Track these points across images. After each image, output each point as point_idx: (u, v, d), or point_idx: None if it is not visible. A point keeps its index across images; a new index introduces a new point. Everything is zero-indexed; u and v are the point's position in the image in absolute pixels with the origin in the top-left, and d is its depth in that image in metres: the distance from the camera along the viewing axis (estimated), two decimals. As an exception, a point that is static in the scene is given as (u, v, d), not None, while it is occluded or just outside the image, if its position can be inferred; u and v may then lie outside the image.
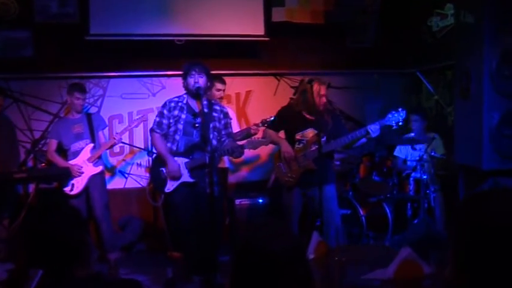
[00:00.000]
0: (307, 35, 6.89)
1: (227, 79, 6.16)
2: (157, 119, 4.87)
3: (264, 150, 6.49)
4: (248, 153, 6.03)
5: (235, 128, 5.85)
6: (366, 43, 7.24)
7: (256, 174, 6.96)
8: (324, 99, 4.98)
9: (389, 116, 4.90)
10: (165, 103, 4.89)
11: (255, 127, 5.85)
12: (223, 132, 4.89)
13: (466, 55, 4.93)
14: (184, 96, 4.87)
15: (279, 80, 7.03)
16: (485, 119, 4.66)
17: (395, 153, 6.50)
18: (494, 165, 4.72)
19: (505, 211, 1.46)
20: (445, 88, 6.86)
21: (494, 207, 1.48)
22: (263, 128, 5.63)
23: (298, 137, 5.10)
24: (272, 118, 5.47)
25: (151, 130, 4.92)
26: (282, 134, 5.29)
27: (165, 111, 4.83)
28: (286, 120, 5.18)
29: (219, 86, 5.86)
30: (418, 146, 6.03)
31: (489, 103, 4.66)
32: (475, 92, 4.78)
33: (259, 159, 6.90)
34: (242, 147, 4.75)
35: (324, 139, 4.97)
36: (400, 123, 4.92)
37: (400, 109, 4.91)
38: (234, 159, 6.14)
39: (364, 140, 4.97)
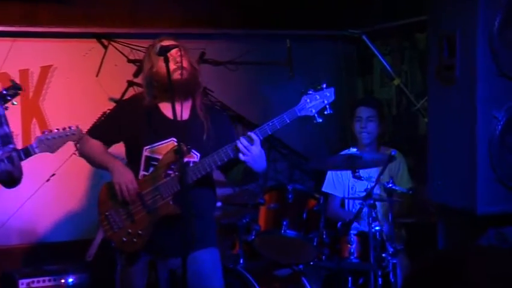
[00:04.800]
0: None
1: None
2: None
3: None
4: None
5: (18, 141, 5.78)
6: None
7: (64, 230, 6.94)
8: (187, 72, 4.93)
9: (306, 98, 4.81)
10: None
11: None
12: None
13: (448, 7, 5.02)
14: None
15: (106, 47, 7.06)
16: (481, 121, 4.74)
17: (325, 187, 6.60)
18: (496, 206, 4.81)
19: None
20: (413, 64, 7.07)
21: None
22: None
23: (147, 153, 5.08)
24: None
25: None
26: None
27: None
28: (130, 122, 5.16)
29: None
30: (365, 173, 6.14)
31: (487, 93, 4.75)
32: (464, 72, 4.85)
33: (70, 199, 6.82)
34: (28, 150, 4.58)
35: (197, 158, 5.02)
36: (327, 111, 4.84)
37: (324, 85, 4.85)
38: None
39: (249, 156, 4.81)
